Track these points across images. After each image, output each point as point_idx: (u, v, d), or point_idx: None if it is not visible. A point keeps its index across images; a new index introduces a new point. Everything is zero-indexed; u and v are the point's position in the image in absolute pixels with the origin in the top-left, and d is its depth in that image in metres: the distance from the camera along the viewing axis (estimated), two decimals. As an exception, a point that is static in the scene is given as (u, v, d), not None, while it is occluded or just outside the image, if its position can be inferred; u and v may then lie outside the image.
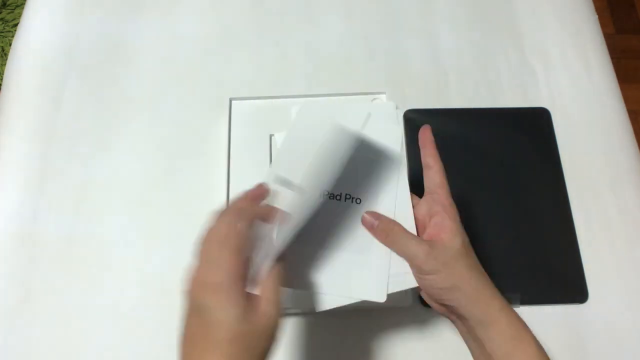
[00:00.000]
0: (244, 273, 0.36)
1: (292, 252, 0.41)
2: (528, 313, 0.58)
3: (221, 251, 0.36)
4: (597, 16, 0.79)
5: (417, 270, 0.42)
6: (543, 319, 0.59)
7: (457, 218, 0.43)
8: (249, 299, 0.36)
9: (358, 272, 0.44)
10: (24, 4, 0.78)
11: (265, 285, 0.37)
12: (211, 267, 0.36)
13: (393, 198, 0.46)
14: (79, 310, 0.59)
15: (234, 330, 0.34)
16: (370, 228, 0.44)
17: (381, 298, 0.44)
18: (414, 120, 0.68)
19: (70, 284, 0.60)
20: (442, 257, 0.41)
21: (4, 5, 1.54)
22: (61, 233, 0.62)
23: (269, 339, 0.36)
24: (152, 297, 0.60)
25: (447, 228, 0.42)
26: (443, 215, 0.42)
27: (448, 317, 0.44)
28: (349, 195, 0.45)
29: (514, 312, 0.41)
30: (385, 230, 0.43)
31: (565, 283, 0.60)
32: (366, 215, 0.44)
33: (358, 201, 0.45)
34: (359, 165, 0.45)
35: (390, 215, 0.45)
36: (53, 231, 0.62)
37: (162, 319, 0.59)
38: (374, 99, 0.66)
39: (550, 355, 0.57)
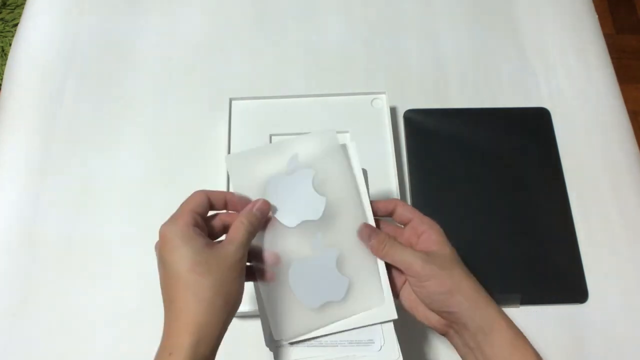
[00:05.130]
0: (201, 225, 0.41)
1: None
2: (528, 313, 0.59)
3: (177, 212, 0.41)
4: (597, 16, 0.79)
5: (416, 278, 0.42)
6: (543, 319, 0.59)
7: (444, 234, 0.44)
8: (208, 241, 0.40)
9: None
10: (24, 4, 0.78)
11: (231, 230, 0.41)
12: (168, 224, 0.40)
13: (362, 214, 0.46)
14: (79, 310, 0.59)
15: (191, 261, 0.38)
16: (368, 241, 0.45)
17: (392, 315, 0.44)
18: (413, 120, 0.68)
19: (70, 284, 0.60)
20: (438, 261, 0.42)
21: (4, 5, 1.54)
22: (61, 233, 0.62)
23: (232, 268, 0.39)
24: (152, 297, 0.59)
25: (436, 241, 0.44)
26: (430, 232, 0.44)
27: (444, 333, 0.44)
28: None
29: (509, 318, 0.42)
30: (383, 242, 0.44)
31: (565, 283, 0.60)
32: (363, 229, 0.45)
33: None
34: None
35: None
36: (53, 231, 0.62)
37: (162, 319, 0.59)
38: (374, 98, 0.66)
39: (550, 355, 0.57)
